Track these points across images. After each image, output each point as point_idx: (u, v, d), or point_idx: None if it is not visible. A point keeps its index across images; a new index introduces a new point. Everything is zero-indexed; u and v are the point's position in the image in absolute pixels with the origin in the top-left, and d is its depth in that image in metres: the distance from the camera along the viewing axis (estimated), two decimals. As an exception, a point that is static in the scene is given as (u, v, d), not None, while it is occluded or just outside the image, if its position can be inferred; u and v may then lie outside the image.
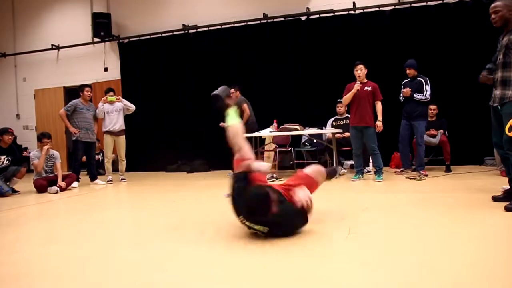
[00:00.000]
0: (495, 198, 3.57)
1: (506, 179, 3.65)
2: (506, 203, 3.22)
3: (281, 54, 8.25)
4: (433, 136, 6.54)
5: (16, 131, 8.37)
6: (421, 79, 6.04)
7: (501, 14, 3.27)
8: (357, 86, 5.52)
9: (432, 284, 1.72)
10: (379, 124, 5.55)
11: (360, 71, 5.59)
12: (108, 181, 6.87)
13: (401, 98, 6.16)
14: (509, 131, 3.11)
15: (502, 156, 3.55)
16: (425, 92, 5.95)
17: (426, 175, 5.74)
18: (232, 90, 7.28)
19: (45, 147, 5.92)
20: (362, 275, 1.88)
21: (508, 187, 3.79)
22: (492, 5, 3.35)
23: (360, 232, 2.67)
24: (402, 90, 6.13)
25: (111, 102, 6.94)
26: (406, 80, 6.19)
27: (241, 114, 7.24)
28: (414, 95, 5.96)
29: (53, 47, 10.26)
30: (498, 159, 5.51)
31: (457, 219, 3.00)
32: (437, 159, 6.81)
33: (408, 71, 6.13)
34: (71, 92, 9.63)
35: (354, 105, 5.61)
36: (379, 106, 5.61)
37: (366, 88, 5.57)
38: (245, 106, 7.27)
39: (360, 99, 5.53)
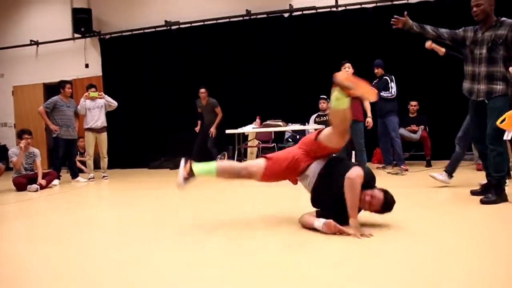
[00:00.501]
0: (473, 192, 3.66)
1: (483, 173, 3.75)
2: (482, 197, 3.33)
3: (264, 50, 8.26)
4: (414, 131, 6.65)
5: (-6, 128, 8.21)
6: (387, 78, 6.23)
7: (482, 8, 3.30)
8: None
9: (409, 277, 1.76)
10: (369, 120, 5.66)
11: (348, 69, 5.66)
12: (90, 178, 6.79)
13: None
14: (500, 122, 3.16)
15: (481, 151, 3.62)
16: (390, 89, 6.13)
17: (406, 170, 5.83)
18: (203, 90, 7.43)
19: (21, 145, 5.80)
20: (346, 269, 1.90)
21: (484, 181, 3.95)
22: None
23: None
24: None
25: (93, 98, 6.85)
26: (375, 81, 6.34)
27: (215, 116, 7.56)
28: (381, 93, 6.09)
29: (32, 42, 10.06)
30: (476, 154, 5.66)
31: (437, 213, 3.07)
32: (418, 154, 6.92)
33: (376, 70, 6.31)
34: (51, 89, 9.45)
35: None
36: (367, 103, 5.69)
37: None
38: (220, 109, 7.51)
39: None
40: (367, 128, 5.74)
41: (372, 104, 6.27)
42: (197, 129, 7.83)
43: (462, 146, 4.27)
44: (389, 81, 6.19)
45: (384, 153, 6.44)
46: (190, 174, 2.76)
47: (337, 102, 2.59)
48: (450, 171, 4.26)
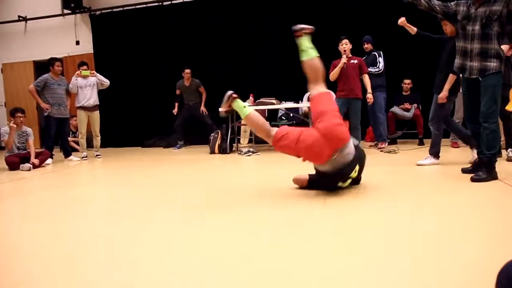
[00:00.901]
0: (464, 170, 3.70)
1: (463, 150, 3.80)
2: (473, 175, 3.37)
3: (258, 27, 8.16)
4: (407, 110, 6.67)
5: (-16, 107, 8.10)
6: (375, 53, 6.20)
7: None
8: (343, 59, 5.56)
9: (401, 252, 1.79)
10: (370, 96, 5.66)
11: (346, 45, 5.63)
12: (83, 157, 6.77)
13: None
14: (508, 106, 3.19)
15: (473, 130, 3.62)
16: (378, 64, 6.11)
17: (382, 148, 5.88)
18: (188, 70, 7.52)
19: (12, 124, 5.75)
20: (333, 242, 1.93)
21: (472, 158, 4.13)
22: None
23: (335, 202, 2.74)
24: None
25: (84, 77, 6.78)
26: (364, 57, 6.26)
27: (199, 96, 7.84)
28: (369, 69, 6.06)
29: (20, 18, 9.83)
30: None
31: (428, 190, 3.10)
32: (411, 132, 6.96)
33: (365, 46, 6.28)
34: (42, 67, 9.31)
35: (342, 79, 5.66)
36: (366, 79, 5.70)
37: (352, 61, 5.63)
38: (203, 88, 7.80)
39: (348, 72, 5.60)
40: (368, 104, 5.77)
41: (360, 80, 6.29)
42: (175, 111, 7.96)
43: (436, 127, 4.32)
44: (377, 56, 6.18)
45: (375, 130, 6.47)
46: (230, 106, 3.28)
47: (309, 51, 3.18)
48: (435, 153, 4.33)
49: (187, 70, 7.73)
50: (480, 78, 3.35)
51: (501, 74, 3.32)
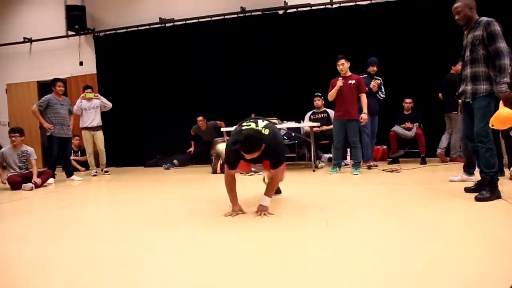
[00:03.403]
0: (467, 189, 3.69)
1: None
2: (477, 194, 3.36)
3: (258, 47, 8.26)
4: (409, 129, 6.68)
5: (-12, 127, 8.15)
6: (379, 80, 6.35)
7: (463, 14, 3.47)
8: (339, 83, 5.58)
9: (404, 273, 1.77)
10: (364, 116, 5.63)
11: (342, 66, 5.64)
12: (93, 175, 7.09)
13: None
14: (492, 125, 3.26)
15: (473, 149, 3.68)
16: (383, 91, 6.36)
17: (373, 166, 6.06)
18: (200, 118, 7.68)
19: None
20: (336, 265, 1.91)
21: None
22: (454, 6, 3.53)
23: (338, 223, 2.72)
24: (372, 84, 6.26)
25: (89, 99, 7.06)
26: (364, 75, 6.24)
27: (217, 132, 7.81)
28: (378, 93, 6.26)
29: (26, 40, 9.98)
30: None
31: (431, 210, 3.08)
32: (413, 151, 6.95)
33: (374, 68, 6.27)
34: (45, 87, 9.39)
35: (338, 99, 5.68)
36: (363, 98, 5.67)
37: (349, 81, 5.63)
38: (221, 122, 7.86)
39: (344, 93, 5.58)
40: (361, 124, 5.75)
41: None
42: (191, 150, 8.04)
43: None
44: (381, 82, 6.31)
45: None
46: None
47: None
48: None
49: (200, 118, 7.75)
50: (471, 101, 3.50)
51: (493, 96, 3.41)
